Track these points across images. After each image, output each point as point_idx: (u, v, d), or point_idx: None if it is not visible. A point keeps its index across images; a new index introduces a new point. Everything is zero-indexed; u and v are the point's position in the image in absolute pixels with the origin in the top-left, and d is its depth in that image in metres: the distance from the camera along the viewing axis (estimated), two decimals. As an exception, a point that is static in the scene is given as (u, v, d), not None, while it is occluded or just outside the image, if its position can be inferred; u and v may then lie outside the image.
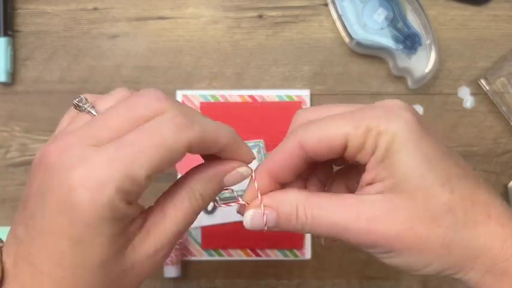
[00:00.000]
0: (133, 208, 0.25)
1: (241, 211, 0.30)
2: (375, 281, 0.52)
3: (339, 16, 0.51)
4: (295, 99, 0.51)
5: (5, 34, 0.51)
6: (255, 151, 0.50)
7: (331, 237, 0.28)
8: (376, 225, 0.26)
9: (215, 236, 0.51)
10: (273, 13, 0.53)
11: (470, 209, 0.26)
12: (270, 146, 0.50)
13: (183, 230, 0.27)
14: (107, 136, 0.24)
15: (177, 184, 0.28)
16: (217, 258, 0.51)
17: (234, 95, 0.51)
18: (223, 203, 0.30)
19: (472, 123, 0.52)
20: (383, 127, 0.25)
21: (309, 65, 0.52)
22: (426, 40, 0.50)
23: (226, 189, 0.29)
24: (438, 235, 0.25)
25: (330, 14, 0.52)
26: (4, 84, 0.52)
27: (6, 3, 0.52)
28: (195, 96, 0.51)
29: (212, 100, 0.51)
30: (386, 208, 0.26)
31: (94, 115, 0.27)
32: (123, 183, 0.23)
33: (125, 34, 0.53)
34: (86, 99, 0.27)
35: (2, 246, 0.26)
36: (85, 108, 0.27)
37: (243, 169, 0.29)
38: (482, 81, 0.51)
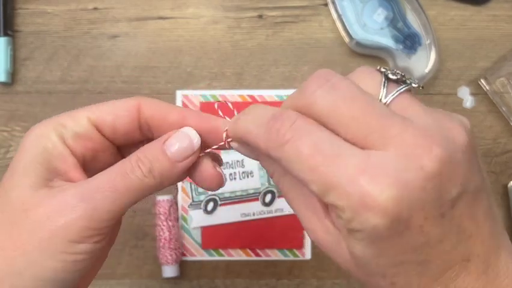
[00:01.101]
0: (65, 150, 0.26)
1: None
2: (375, 281, 0.52)
3: (339, 16, 0.51)
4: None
5: (5, 34, 0.51)
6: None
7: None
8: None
9: (215, 236, 0.51)
10: (273, 13, 0.53)
11: (452, 249, 0.22)
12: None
13: (103, 190, 0.25)
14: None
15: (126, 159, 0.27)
16: (217, 258, 0.51)
17: (234, 95, 0.51)
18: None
19: (471, 123, 0.52)
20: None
21: (309, 65, 0.52)
22: (426, 40, 0.50)
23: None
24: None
25: (330, 14, 0.52)
26: (4, 84, 0.52)
27: (6, 3, 0.52)
28: (195, 96, 0.51)
29: (212, 100, 0.51)
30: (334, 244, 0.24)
31: None
32: (62, 119, 0.27)
33: (126, 34, 0.53)
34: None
35: None
36: None
37: (186, 129, 0.27)
38: (482, 81, 0.51)
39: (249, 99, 0.51)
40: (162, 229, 0.49)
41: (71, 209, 0.24)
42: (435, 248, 0.21)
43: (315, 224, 0.24)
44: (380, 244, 0.21)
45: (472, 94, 0.52)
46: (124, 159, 0.26)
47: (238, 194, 0.50)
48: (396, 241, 0.21)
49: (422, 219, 0.21)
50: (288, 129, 0.22)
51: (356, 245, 0.22)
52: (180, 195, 0.51)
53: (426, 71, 0.50)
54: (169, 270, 0.50)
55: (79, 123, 0.26)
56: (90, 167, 0.28)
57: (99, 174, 0.26)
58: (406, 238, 0.21)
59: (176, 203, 0.51)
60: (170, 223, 0.50)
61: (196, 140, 0.27)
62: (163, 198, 0.50)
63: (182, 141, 0.26)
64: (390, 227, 0.20)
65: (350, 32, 0.50)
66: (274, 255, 0.51)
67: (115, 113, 0.27)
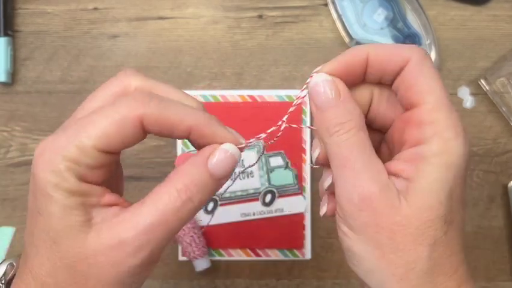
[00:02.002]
0: (90, 187, 0.25)
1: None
2: (375, 281, 0.52)
3: (339, 16, 0.51)
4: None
5: (5, 34, 0.51)
6: (255, 151, 0.50)
7: (334, 168, 0.27)
8: (372, 204, 0.25)
9: (215, 236, 0.51)
10: (273, 13, 0.53)
11: (447, 257, 0.25)
12: (269, 147, 0.50)
13: (161, 225, 0.25)
14: (79, 117, 0.26)
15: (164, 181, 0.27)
16: (217, 258, 0.51)
17: (234, 95, 0.51)
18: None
19: (471, 123, 0.52)
20: (451, 136, 0.25)
21: (309, 65, 0.52)
22: (426, 40, 0.50)
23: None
24: (407, 253, 0.25)
25: (330, 14, 0.52)
26: (4, 84, 0.52)
27: (6, 3, 0.52)
28: (195, 96, 0.51)
29: (212, 100, 0.51)
30: (392, 202, 0.25)
31: None
32: (70, 152, 0.24)
33: (126, 34, 0.53)
34: None
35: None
36: None
37: (227, 146, 0.26)
38: (482, 81, 0.51)
39: (249, 99, 0.51)
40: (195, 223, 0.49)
41: (133, 255, 0.24)
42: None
43: (377, 177, 0.25)
44: (457, 180, 0.25)
45: (472, 94, 0.52)
46: (168, 186, 0.25)
47: (238, 194, 0.50)
48: (462, 184, 0.25)
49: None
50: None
51: (436, 173, 0.25)
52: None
53: (426, 71, 0.50)
54: (201, 263, 0.49)
55: (89, 157, 0.25)
56: (111, 176, 0.27)
57: (147, 205, 0.25)
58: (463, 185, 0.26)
59: None
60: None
61: (238, 155, 0.27)
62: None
63: (227, 162, 0.26)
64: (465, 168, 0.25)
65: (350, 32, 0.50)
66: (274, 255, 0.51)
67: (121, 137, 0.25)
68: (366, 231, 0.25)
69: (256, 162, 0.45)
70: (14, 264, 0.29)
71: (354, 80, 0.28)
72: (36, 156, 0.25)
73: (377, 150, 0.30)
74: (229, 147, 0.26)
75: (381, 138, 0.31)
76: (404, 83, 0.27)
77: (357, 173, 0.25)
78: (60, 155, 0.24)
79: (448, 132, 0.25)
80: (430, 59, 0.27)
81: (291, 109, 0.29)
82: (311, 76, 0.28)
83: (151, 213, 0.25)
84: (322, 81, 0.27)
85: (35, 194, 0.25)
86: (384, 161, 0.28)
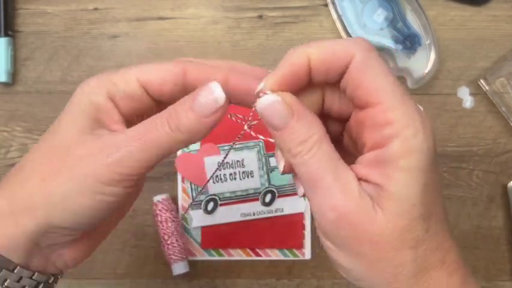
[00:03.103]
0: (113, 109, 0.28)
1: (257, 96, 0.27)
2: (375, 281, 0.52)
3: (339, 16, 0.51)
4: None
5: (6, 34, 0.51)
6: (255, 151, 0.50)
7: (305, 189, 0.26)
8: (349, 219, 0.25)
9: (215, 236, 0.51)
10: (273, 13, 0.53)
11: (432, 251, 0.25)
12: (269, 147, 0.50)
13: (155, 159, 0.27)
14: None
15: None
16: (217, 258, 0.51)
17: (234, 95, 0.51)
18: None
19: (471, 123, 0.52)
20: (409, 134, 0.24)
21: (309, 65, 0.52)
22: (426, 40, 0.50)
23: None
24: (391, 260, 0.25)
25: (330, 14, 0.52)
26: (5, 84, 0.52)
27: (7, 3, 0.52)
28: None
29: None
30: (367, 213, 0.25)
31: None
32: (113, 76, 0.28)
33: (126, 34, 0.53)
34: None
35: None
36: None
37: (212, 84, 0.27)
38: (482, 82, 0.51)
39: (249, 100, 0.51)
40: (178, 225, 0.49)
41: (106, 154, 0.26)
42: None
43: (349, 190, 0.25)
44: (428, 175, 0.24)
45: (472, 94, 0.52)
46: (157, 115, 0.27)
47: (238, 194, 0.50)
48: (434, 176, 0.25)
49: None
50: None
51: (403, 179, 0.24)
52: (180, 195, 0.51)
53: (426, 71, 0.50)
54: (179, 267, 0.49)
55: (129, 84, 0.28)
56: (134, 124, 0.28)
57: (133, 127, 0.27)
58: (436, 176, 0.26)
59: (172, 200, 0.51)
60: (170, 221, 0.50)
61: (220, 95, 0.26)
62: (159, 199, 0.50)
63: (207, 96, 0.26)
64: (433, 158, 0.25)
65: (350, 32, 0.50)
66: (274, 255, 0.51)
67: (163, 78, 0.28)
68: (349, 245, 0.25)
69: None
70: None
71: (301, 84, 0.27)
72: (81, 84, 0.29)
73: (339, 140, 0.29)
74: (213, 86, 0.27)
75: (343, 127, 0.30)
76: (351, 82, 0.25)
77: (328, 192, 0.25)
78: (103, 78, 0.28)
79: (406, 131, 0.24)
80: (375, 51, 0.25)
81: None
82: (259, 96, 0.26)
83: (132, 129, 0.27)
84: (271, 103, 0.26)
85: (69, 103, 0.29)
86: (348, 151, 0.28)
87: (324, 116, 0.29)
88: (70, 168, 0.27)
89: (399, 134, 0.24)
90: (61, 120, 0.29)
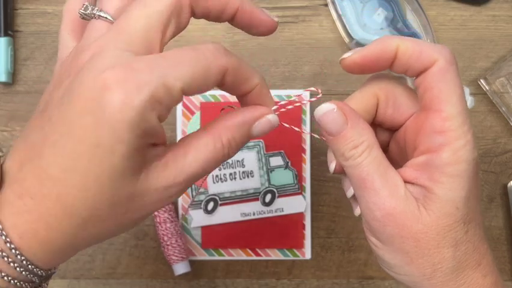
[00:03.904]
0: (159, 128, 0.24)
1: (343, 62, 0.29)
2: (374, 281, 0.52)
3: (339, 16, 0.51)
4: (295, 99, 0.51)
5: (6, 34, 0.51)
6: (254, 151, 0.50)
7: (354, 188, 0.29)
8: (394, 217, 0.27)
9: (215, 236, 0.51)
10: (273, 13, 0.52)
11: (470, 253, 0.28)
12: (269, 147, 0.50)
13: (200, 174, 0.26)
14: (139, 39, 0.25)
15: (204, 128, 0.27)
16: (217, 258, 0.51)
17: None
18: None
19: (471, 123, 0.52)
20: (459, 145, 0.26)
21: (309, 65, 0.52)
22: (426, 40, 0.50)
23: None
24: (432, 256, 0.27)
25: (330, 14, 0.52)
26: (5, 84, 0.52)
27: (7, 3, 0.52)
28: (195, 96, 0.51)
29: (212, 100, 0.51)
30: (412, 213, 0.27)
31: (110, 19, 0.27)
32: (158, 90, 0.23)
33: (126, 34, 0.53)
34: (90, 5, 0.27)
35: (1, 156, 0.26)
36: (94, 14, 0.27)
37: (272, 116, 0.28)
38: (482, 81, 0.51)
39: (249, 99, 0.51)
40: (176, 225, 0.49)
41: (172, 198, 0.26)
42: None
43: (395, 192, 0.27)
44: (471, 183, 0.27)
45: (472, 94, 0.52)
46: (215, 137, 0.26)
47: (238, 194, 0.50)
48: (476, 184, 0.28)
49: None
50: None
51: (450, 183, 0.26)
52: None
53: (426, 71, 0.50)
54: (181, 267, 0.49)
55: (173, 98, 0.24)
56: None
57: (192, 154, 0.26)
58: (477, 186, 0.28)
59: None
60: (168, 222, 0.50)
61: (277, 125, 0.29)
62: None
63: (266, 128, 0.28)
64: (476, 172, 0.27)
65: (350, 32, 0.50)
66: (274, 255, 0.51)
67: (205, 83, 0.25)
68: (393, 242, 0.28)
69: None
70: None
71: (381, 68, 0.29)
72: (112, 81, 0.22)
73: (386, 149, 0.32)
74: (273, 118, 0.28)
75: (390, 136, 0.32)
76: (425, 84, 0.27)
77: (376, 192, 0.27)
78: (147, 90, 0.22)
79: (457, 142, 0.26)
80: (456, 65, 0.27)
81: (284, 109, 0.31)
82: (308, 89, 0.32)
83: (196, 164, 0.26)
84: (328, 111, 0.28)
85: (98, 122, 0.22)
86: (393, 159, 0.31)
87: (375, 125, 0.31)
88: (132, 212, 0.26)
89: (450, 143, 0.26)
90: (115, 166, 0.23)
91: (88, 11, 0.27)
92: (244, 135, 0.28)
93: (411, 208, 0.27)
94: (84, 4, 0.27)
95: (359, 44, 0.50)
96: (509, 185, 0.51)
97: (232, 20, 0.29)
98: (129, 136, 0.23)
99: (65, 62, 0.27)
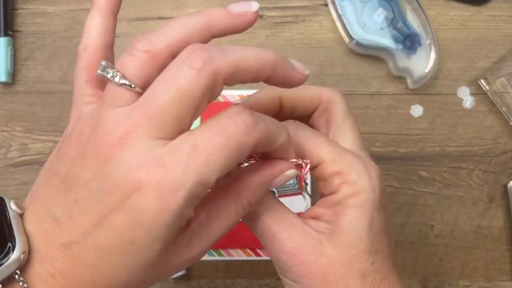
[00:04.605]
0: (193, 212, 0.24)
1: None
2: (375, 281, 0.52)
3: (339, 16, 0.51)
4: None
5: (5, 34, 0.51)
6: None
7: (259, 238, 0.29)
8: (298, 256, 0.27)
9: (215, 236, 0.51)
10: (273, 13, 0.53)
11: (378, 283, 0.28)
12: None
13: (223, 235, 0.27)
14: (170, 125, 0.22)
15: (224, 189, 0.26)
16: (217, 258, 0.51)
17: (234, 95, 0.51)
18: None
19: (471, 123, 0.52)
20: (355, 179, 0.28)
21: (309, 65, 0.52)
22: (426, 40, 0.50)
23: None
24: None
25: (330, 14, 0.52)
26: (4, 84, 0.52)
27: (6, 3, 0.52)
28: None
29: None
30: (315, 247, 0.27)
31: (133, 88, 0.24)
32: (196, 189, 0.22)
33: (126, 34, 0.53)
34: (108, 65, 0.24)
35: (22, 214, 0.25)
36: (116, 80, 0.24)
37: (291, 172, 0.28)
38: (482, 81, 0.51)
39: (249, 99, 0.51)
40: None
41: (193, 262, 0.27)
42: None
43: (293, 231, 0.28)
44: (374, 213, 0.27)
45: (472, 94, 0.52)
46: (236, 201, 0.26)
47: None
48: (380, 215, 0.28)
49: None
50: None
51: (351, 214, 0.27)
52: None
53: (426, 71, 0.50)
54: None
55: (209, 188, 0.23)
56: None
57: (214, 222, 0.26)
58: (383, 215, 0.28)
59: None
60: None
61: (293, 176, 0.28)
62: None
63: (284, 182, 0.28)
64: (379, 199, 0.28)
65: (350, 32, 0.50)
66: (274, 255, 0.51)
67: (237, 162, 0.24)
68: (302, 280, 0.28)
69: None
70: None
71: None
72: (146, 183, 0.21)
73: None
74: (292, 173, 0.28)
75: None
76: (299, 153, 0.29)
77: (276, 237, 0.28)
78: (184, 193, 0.22)
79: (351, 177, 0.27)
80: (305, 126, 0.29)
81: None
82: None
83: (220, 231, 0.27)
84: None
85: (133, 223, 0.22)
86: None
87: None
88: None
89: (346, 180, 0.27)
90: (148, 260, 0.23)
91: (109, 75, 0.24)
92: (263, 193, 0.27)
93: (314, 243, 0.27)
94: (101, 64, 0.25)
95: (359, 44, 0.50)
96: (509, 185, 0.51)
97: (267, 82, 0.28)
98: (165, 235, 0.22)
99: (86, 124, 0.24)
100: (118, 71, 0.24)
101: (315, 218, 0.28)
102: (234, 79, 0.25)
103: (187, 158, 0.22)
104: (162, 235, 0.22)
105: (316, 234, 0.28)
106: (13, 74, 0.53)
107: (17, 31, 0.53)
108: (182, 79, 0.22)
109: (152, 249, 0.23)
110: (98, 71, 0.25)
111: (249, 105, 0.29)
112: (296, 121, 0.30)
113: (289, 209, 0.29)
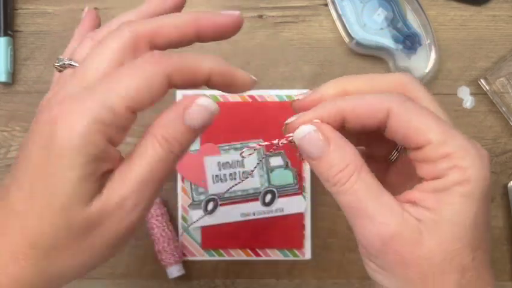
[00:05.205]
0: (112, 151, 0.25)
1: (289, 128, 0.28)
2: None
3: (339, 16, 0.51)
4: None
5: (5, 34, 0.51)
6: (254, 151, 0.50)
7: (346, 216, 0.27)
8: (394, 244, 0.25)
9: (215, 236, 0.51)
10: (273, 13, 0.53)
11: (474, 281, 0.26)
12: (269, 147, 0.50)
13: (151, 178, 0.26)
14: (91, 75, 0.26)
15: (144, 133, 0.27)
16: (217, 258, 0.51)
17: (234, 94, 0.51)
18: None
19: (471, 123, 0.52)
20: (467, 164, 0.25)
21: (309, 65, 0.52)
22: (426, 40, 0.50)
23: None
24: (436, 284, 0.25)
25: (330, 14, 0.52)
26: (4, 84, 0.52)
27: (6, 3, 0.52)
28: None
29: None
30: (414, 237, 0.25)
31: (76, 65, 0.28)
32: (100, 113, 0.24)
33: (126, 34, 0.53)
34: (63, 58, 0.29)
35: None
36: (65, 64, 0.29)
37: (203, 100, 0.26)
38: (482, 81, 0.51)
39: (249, 99, 0.51)
40: (163, 230, 0.50)
41: (131, 213, 0.26)
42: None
43: (391, 217, 0.25)
44: (481, 206, 0.25)
45: (472, 94, 0.52)
46: (150, 139, 0.26)
47: (238, 194, 0.50)
48: (487, 208, 0.25)
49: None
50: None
51: (458, 204, 0.25)
52: (180, 195, 0.51)
53: (426, 71, 0.50)
54: (173, 270, 0.50)
55: (120, 117, 0.24)
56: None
57: (135, 162, 0.25)
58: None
59: (163, 203, 0.51)
60: (165, 224, 0.50)
61: (215, 108, 0.27)
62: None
63: (202, 116, 0.26)
64: (488, 191, 0.25)
65: (350, 32, 0.50)
66: (274, 255, 0.51)
67: (151, 92, 0.25)
68: (395, 269, 0.26)
69: (256, 167, 0.46)
70: None
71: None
72: (59, 115, 0.24)
73: (383, 180, 0.29)
74: (204, 101, 0.26)
75: (386, 166, 0.31)
76: (398, 134, 0.26)
77: (371, 220, 0.25)
78: (90, 116, 0.24)
79: (463, 162, 0.25)
80: (410, 101, 0.26)
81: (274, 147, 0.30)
82: (285, 123, 0.28)
83: (141, 168, 0.25)
84: (308, 133, 0.27)
85: (50, 153, 0.24)
86: (393, 189, 0.28)
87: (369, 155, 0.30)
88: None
89: (457, 165, 0.25)
90: (68, 194, 0.24)
91: (60, 63, 0.29)
92: (178, 127, 0.26)
93: (411, 231, 0.25)
94: (57, 58, 0.29)
95: (359, 44, 0.50)
96: (509, 185, 0.51)
97: (208, 84, 0.27)
98: (78, 162, 0.24)
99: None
100: (67, 58, 0.30)
101: (413, 202, 0.26)
102: (159, 40, 0.27)
103: (94, 89, 0.24)
104: (75, 162, 0.24)
105: (416, 223, 0.25)
106: (13, 74, 0.53)
107: (17, 31, 0.53)
108: (104, 38, 0.26)
109: (69, 180, 0.24)
110: (55, 64, 0.30)
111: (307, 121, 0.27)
112: (402, 94, 0.27)
113: (386, 191, 0.26)
